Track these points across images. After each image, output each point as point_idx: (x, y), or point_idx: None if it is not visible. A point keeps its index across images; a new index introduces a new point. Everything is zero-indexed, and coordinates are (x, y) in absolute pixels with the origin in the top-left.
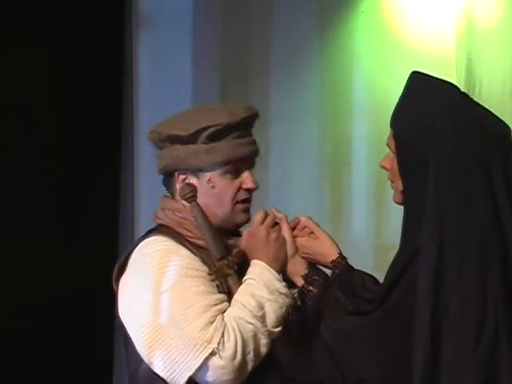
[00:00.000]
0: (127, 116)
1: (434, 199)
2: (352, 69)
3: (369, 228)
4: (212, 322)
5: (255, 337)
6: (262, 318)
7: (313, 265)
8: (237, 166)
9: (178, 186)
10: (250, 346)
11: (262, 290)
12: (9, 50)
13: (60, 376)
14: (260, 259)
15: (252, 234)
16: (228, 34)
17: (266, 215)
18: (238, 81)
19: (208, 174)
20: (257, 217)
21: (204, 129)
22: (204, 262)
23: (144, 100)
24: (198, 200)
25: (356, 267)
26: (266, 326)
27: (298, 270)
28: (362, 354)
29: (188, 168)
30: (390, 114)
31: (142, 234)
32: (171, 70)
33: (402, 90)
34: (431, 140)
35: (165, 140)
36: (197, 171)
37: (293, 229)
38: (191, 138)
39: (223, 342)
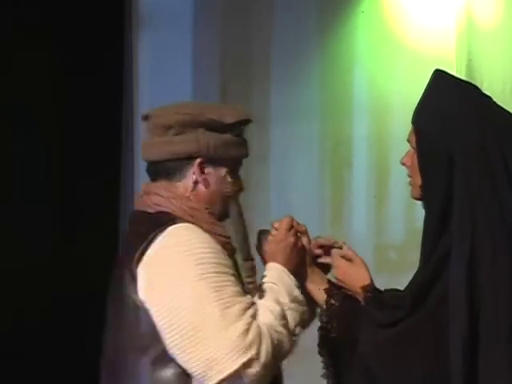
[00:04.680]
0: (127, 116)
1: (464, 197)
2: (352, 69)
3: (369, 228)
4: (250, 327)
5: (281, 345)
6: (286, 326)
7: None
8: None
9: (193, 174)
10: (277, 354)
11: (284, 298)
12: (9, 50)
13: (62, 375)
14: (282, 264)
15: (280, 240)
16: (228, 34)
17: (293, 222)
18: (238, 81)
19: (225, 167)
20: (284, 223)
21: (243, 122)
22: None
23: (144, 100)
24: (207, 190)
25: None
26: (289, 334)
27: (315, 282)
28: (402, 364)
29: (213, 157)
30: (390, 113)
31: None
32: (171, 69)
33: (425, 88)
34: (455, 138)
35: (198, 124)
36: (217, 162)
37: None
38: (228, 128)
39: (260, 349)
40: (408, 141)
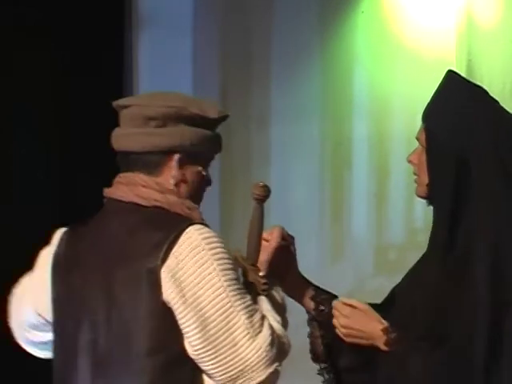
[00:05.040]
0: None
1: (482, 196)
2: (352, 69)
3: (369, 228)
4: (273, 338)
5: (286, 353)
6: (286, 337)
7: (311, 283)
8: None
9: (171, 169)
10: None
11: (281, 309)
12: (9, 50)
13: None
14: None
15: (273, 249)
16: (228, 34)
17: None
18: (238, 81)
19: (201, 163)
20: (278, 232)
21: (224, 117)
22: None
23: None
24: (185, 186)
25: (356, 267)
26: (289, 344)
27: (301, 288)
28: None
29: (192, 153)
30: (390, 113)
31: None
32: (171, 70)
33: (437, 87)
34: (467, 137)
35: (181, 118)
36: (195, 158)
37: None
38: (210, 123)
39: (282, 360)
40: (417, 139)
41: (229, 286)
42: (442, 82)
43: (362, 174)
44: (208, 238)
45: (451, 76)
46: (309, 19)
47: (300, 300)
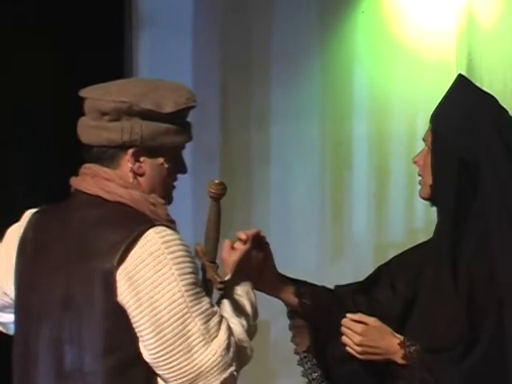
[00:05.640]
0: None
1: (496, 204)
2: (352, 69)
3: (369, 227)
4: (230, 342)
5: (247, 358)
6: (249, 342)
7: (289, 278)
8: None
9: (128, 163)
10: (242, 367)
11: (250, 313)
12: (8, 50)
13: None
14: (246, 276)
15: (247, 251)
16: (228, 34)
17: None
18: (238, 81)
19: (163, 155)
20: (252, 234)
21: (182, 110)
22: None
23: None
24: (145, 179)
25: (356, 266)
26: (251, 349)
27: (280, 285)
28: None
29: (149, 146)
30: (390, 113)
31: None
32: (171, 70)
33: (446, 91)
34: (476, 143)
35: (134, 113)
36: (155, 151)
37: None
38: (166, 117)
39: (238, 364)
40: (424, 140)
41: (187, 290)
42: (451, 85)
43: (362, 174)
44: (168, 241)
45: (461, 80)
46: (309, 19)
47: (280, 296)
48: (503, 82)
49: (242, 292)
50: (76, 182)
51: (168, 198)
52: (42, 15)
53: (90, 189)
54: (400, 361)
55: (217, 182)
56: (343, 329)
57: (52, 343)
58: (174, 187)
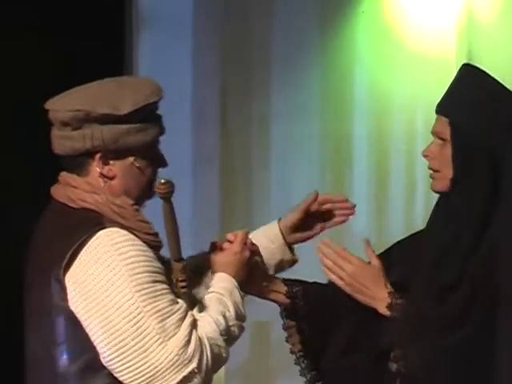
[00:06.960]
0: None
1: None
2: (353, 69)
3: (369, 228)
4: (190, 339)
5: (220, 359)
6: (227, 341)
7: (281, 278)
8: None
9: (96, 169)
10: (216, 366)
11: (231, 313)
12: (8, 50)
13: None
14: (233, 276)
15: (235, 252)
16: (228, 34)
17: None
18: (238, 81)
19: (131, 155)
20: (241, 236)
21: (142, 109)
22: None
23: None
24: (117, 181)
25: None
26: (228, 349)
27: (271, 286)
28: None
29: (113, 149)
30: (391, 113)
31: None
32: (171, 70)
33: (453, 80)
34: (497, 132)
35: (92, 119)
36: (121, 152)
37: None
38: (125, 118)
39: (201, 362)
40: (433, 133)
41: (138, 291)
42: (457, 75)
43: (362, 173)
44: (118, 243)
45: (466, 69)
46: (309, 19)
47: (272, 297)
48: (503, 80)
49: (224, 291)
50: (52, 191)
51: (146, 195)
52: (41, 15)
53: (59, 197)
54: (382, 310)
55: (163, 181)
56: (337, 260)
57: (29, 348)
58: (153, 180)
